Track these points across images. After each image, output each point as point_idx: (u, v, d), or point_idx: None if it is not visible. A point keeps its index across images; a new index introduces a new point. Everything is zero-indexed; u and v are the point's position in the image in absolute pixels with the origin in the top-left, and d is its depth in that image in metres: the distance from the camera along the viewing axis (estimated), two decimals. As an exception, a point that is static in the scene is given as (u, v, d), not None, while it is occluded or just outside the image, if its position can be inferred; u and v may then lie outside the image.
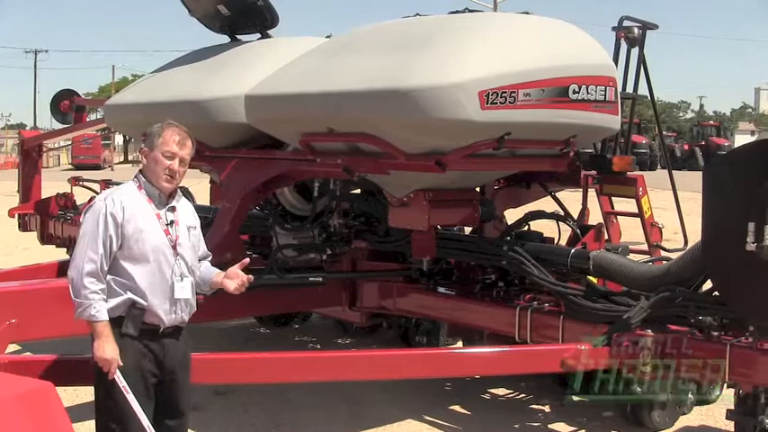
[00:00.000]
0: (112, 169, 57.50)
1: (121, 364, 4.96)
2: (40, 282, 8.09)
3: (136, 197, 5.12)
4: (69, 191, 13.72)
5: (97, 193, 13.39)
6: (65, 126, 15.49)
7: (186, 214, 5.35)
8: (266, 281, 8.10)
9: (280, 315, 11.30)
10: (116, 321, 4.99)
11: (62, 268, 9.91)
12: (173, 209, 5.23)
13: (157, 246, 5.08)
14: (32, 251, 14.67)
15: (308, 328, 11.66)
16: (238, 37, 9.76)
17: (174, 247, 5.16)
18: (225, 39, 9.80)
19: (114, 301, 5.00)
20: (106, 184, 13.51)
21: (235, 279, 5.49)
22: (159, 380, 5.18)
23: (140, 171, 5.25)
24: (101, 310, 4.92)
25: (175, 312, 5.18)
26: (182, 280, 5.19)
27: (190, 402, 5.49)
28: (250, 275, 5.59)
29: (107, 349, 4.92)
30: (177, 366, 5.26)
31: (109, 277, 5.00)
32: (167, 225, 5.15)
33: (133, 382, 5.00)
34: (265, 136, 8.17)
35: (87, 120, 15.83)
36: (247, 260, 5.68)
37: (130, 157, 72.73)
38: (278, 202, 9.11)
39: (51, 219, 13.24)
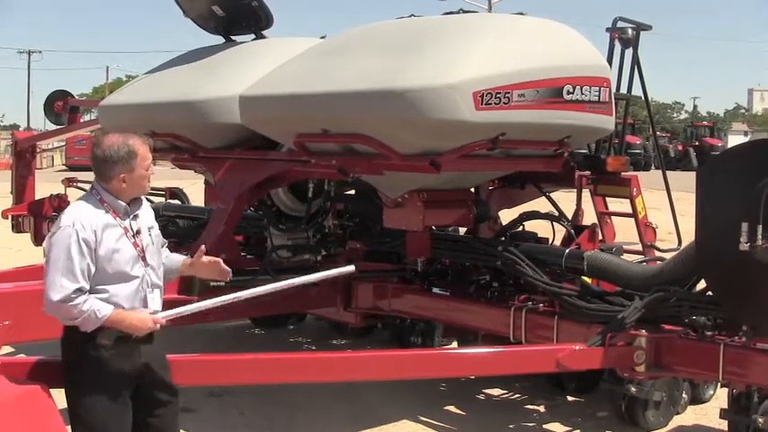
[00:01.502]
0: (106, 170, 57.34)
1: (157, 318, 4.96)
2: (33, 283, 8.05)
3: (101, 215, 4.91)
4: (63, 192, 13.70)
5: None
6: (58, 127, 15.48)
7: (145, 217, 5.20)
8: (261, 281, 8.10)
9: (274, 316, 11.27)
10: (91, 334, 4.85)
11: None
12: (136, 217, 5.07)
13: (129, 260, 4.94)
14: (26, 252, 14.65)
15: (303, 329, 11.65)
16: (233, 37, 9.77)
17: (144, 258, 5.03)
18: (219, 39, 9.81)
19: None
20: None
21: (210, 264, 5.43)
22: (137, 384, 5.06)
23: (98, 185, 5.03)
24: (100, 307, 4.78)
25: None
26: (152, 291, 5.09)
27: (174, 403, 5.33)
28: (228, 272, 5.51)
29: (137, 322, 4.88)
30: (157, 367, 5.17)
31: None
32: (134, 236, 5.00)
33: (112, 390, 4.92)
34: (260, 136, 8.17)
35: (81, 120, 15.82)
36: (203, 247, 5.55)
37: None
38: (272, 202, 9.12)
39: (45, 220, 13.20)
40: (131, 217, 5.04)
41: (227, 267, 5.46)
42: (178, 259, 5.50)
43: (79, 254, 4.75)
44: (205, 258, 5.43)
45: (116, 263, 4.89)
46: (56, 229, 4.87)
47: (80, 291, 4.74)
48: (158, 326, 4.96)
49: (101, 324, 4.81)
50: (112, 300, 4.88)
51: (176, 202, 12.39)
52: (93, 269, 4.81)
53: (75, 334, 4.89)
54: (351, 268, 5.76)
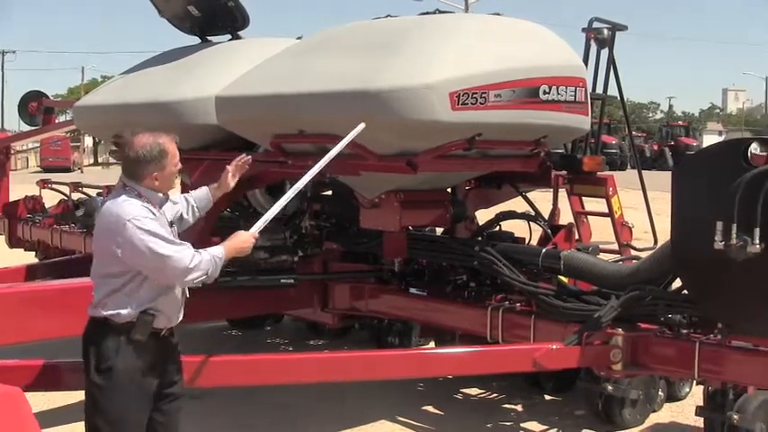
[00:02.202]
0: (82, 171, 57.18)
1: (254, 233, 5.18)
2: (7, 286, 8.01)
3: (146, 204, 4.96)
4: (38, 193, 13.65)
5: (66, 196, 13.34)
6: (33, 128, 15.41)
7: (171, 208, 5.34)
8: (238, 283, 8.09)
9: (252, 317, 11.24)
10: (125, 327, 4.90)
11: (30, 272, 9.85)
12: (164, 210, 5.18)
13: None
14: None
15: (280, 330, 11.65)
16: (209, 38, 9.75)
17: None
18: (195, 40, 9.78)
19: (128, 308, 4.90)
20: (75, 186, 13.46)
21: (234, 172, 5.77)
22: (160, 381, 5.12)
23: (131, 183, 5.02)
24: (214, 252, 4.94)
25: (180, 312, 5.20)
26: None
27: (181, 401, 5.41)
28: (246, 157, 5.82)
29: (243, 244, 5.11)
30: (171, 364, 5.25)
31: (126, 288, 4.89)
32: (170, 225, 5.12)
33: (137, 384, 4.96)
34: (236, 137, 8.15)
35: (56, 121, 15.76)
36: (229, 167, 5.83)
37: (100, 159, 72.25)
38: (249, 203, 9.10)
39: (20, 222, 13.16)
40: (165, 211, 5.18)
41: (245, 158, 5.84)
42: (205, 190, 5.78)
43: (160, 226, 4.87)
44: (230, 171, 5.78)
45: None
46: (112, 226, 4.86)
47: (191, 248, 4.89)
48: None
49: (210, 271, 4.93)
50: (154, 290, 4.96)
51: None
52: None
53: (102, 328, 4.93)
54: (362, 126, 5.88)
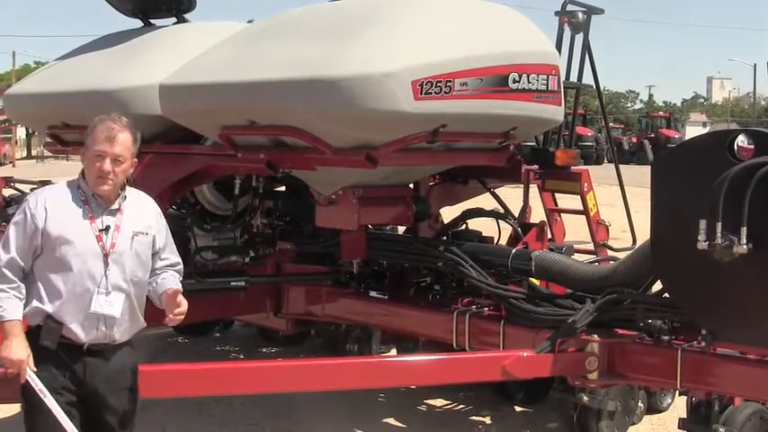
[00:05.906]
0: (14, 165, 56.67)
1: (33, 368, 4.78)
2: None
3: (67, 197, 4.89)
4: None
5: (-4, 191, 13.25)
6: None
7: (136, 218, 5.06)
8: (184, 286, 8.03)
9: (199, 323, 11.17)
10: (34, 331, 4.82)
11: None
12: (114, 212, 4.96)
13: (82, 253, 4.83)
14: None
15: (230, 336, 11.61)
16: (152, 21, 9.68)
17: (106, 256, 4.88)
18: (138, 23, 9.71)
19: (29, 310, 4.83)
20: (6, 181, 13.37)
21: (171, 305, 5.13)
22: (81, 399, 4.94)
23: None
24: (8, 308, 4.75)
25: (97, 329, 4.90)
26: (108, 294, 4.90)
27: (128, 426, 5.19)
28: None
29: (13, 349, 4.74)
30: (103, 387, 4.98)
31: (27, 282, 4.83)
32: (101, 230, 4.88)
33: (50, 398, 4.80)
34: (182, 129, 8.10)
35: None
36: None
37: (34, 152, 71.72)
38: (196, 200, 9.05)
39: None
40: (107, 211, 4.95)
41: (178, 312, 5.16)
42: (165, 286, 5.20)
43: (23, 225, 4.83)
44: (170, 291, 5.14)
45: (65, 249, 4.82)
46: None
47: (11, 265, 4.79)
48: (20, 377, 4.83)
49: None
50: (50, 287, 4.83)
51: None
52: (32, 246, 4.83)
53: (31, 328, 4.87)
54: None
